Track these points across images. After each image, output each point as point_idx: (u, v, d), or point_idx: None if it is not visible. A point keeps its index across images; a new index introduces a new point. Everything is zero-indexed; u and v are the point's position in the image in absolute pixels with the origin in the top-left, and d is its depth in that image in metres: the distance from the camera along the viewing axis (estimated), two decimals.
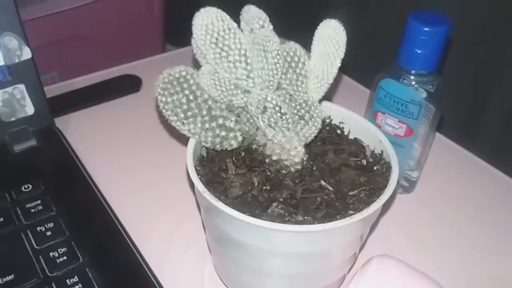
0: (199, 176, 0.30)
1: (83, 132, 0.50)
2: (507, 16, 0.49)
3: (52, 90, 0.54)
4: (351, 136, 0.36)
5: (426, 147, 0.43)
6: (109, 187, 0.42)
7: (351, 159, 0.34)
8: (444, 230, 0.42)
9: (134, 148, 0.48)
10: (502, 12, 0.49)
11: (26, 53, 0.45)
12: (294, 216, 0.29)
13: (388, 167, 0.33)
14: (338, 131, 0.37)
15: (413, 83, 0.39)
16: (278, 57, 0.27)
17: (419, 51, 0.37)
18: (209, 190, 0.29)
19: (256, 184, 0.31)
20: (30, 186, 0.40)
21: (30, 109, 0.46)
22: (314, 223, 0.28)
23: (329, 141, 0.35)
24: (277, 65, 0.28)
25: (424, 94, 0.39)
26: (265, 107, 0.29)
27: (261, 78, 0.29)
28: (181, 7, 0.83)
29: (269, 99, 0.29)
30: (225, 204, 0.28)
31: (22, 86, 0.45)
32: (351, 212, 0.29)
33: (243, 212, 0.28)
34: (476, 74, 0.53)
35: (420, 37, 0.36)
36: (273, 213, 0.29)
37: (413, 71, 0.38)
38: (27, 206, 0.39)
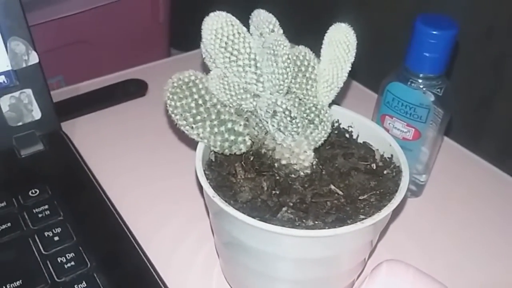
0: (208, 181, 0.30)
1: (89, 136, 0.50)
2: None
3: (58, 94, 0.54)
4: (360, 140, 0.36)
5: (434, 151, 0.42)
6: (116, 191, 0.42)
7: (360, 163, 0.33)
8: (452, 234, 0.42)
9: (141, 152, 0.48)
10: (508, 15, 0.49)
11: (33, 58, 0.45)
12: (304, 221, 0.29)
13: (398, 171, 0.32)
14: (347, 135, 0.36)
15: (421, 86, 0.38)
16: (288, 61, 0.27)
17: (427, 55, 0.37)
18: (218, 195, 0.29)
19: (265, 188, 0.31)
20: (37, 191, 0.40)
21: (37, 114, 0.46)
22: (324, 228, 0.28)
23: (338, 145, 0.35)
24: (288, 69, 0.28)
25: (432, 98, 0.39)
26: (274, 111, 0.29)
27: (271, 82, 0.29)
28: (186, 12, 0.83)
29: (279, 103, 0.28)
30: (235, 208, 0.28)
31: (29, 91, 0.45)
32: (362, 216, 0.29)
33: (252, 217, 0.28)
34: (481, 77, 0.53)
35: (429, 41, 0.36)
36: (283, 217, 0.29)
37: (421, 75, 0.38)
38: (34, 211, 0.38)
